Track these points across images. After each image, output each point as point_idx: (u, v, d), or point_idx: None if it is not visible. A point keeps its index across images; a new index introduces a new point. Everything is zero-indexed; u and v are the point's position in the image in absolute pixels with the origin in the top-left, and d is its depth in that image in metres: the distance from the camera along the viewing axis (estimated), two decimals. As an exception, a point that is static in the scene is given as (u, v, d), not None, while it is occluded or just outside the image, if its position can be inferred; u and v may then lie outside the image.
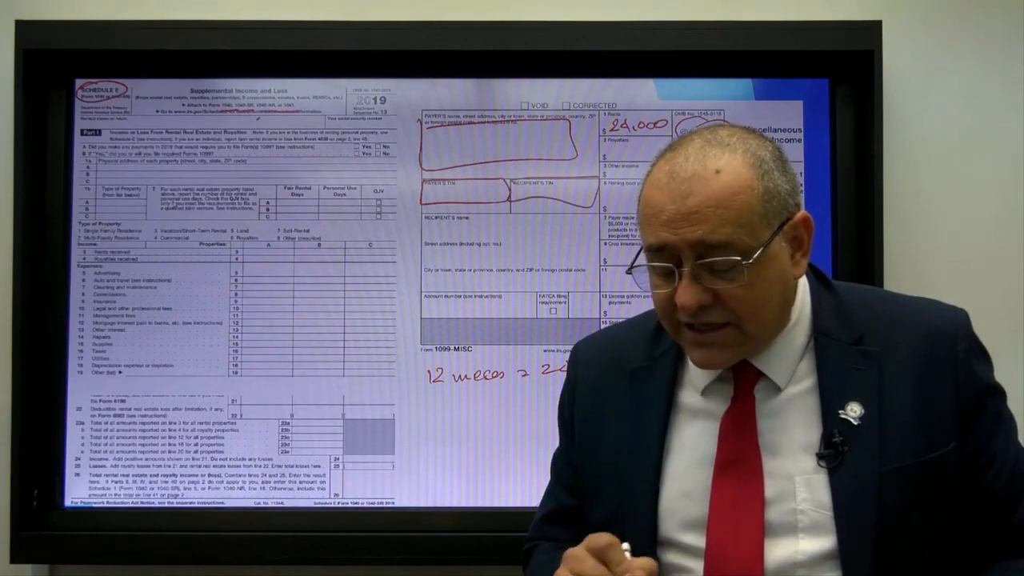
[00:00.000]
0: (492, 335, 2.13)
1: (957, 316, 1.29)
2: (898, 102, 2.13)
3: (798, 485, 1.21)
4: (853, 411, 1.21)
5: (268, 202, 2.16)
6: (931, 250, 2.15)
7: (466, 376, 2.13)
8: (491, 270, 2.15)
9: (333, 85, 2.17)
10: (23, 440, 2.06)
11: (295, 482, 2.12)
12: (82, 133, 2.17)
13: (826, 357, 1.24)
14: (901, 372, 1.22)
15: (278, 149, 2.16)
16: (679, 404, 1.29)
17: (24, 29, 2.10)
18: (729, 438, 1.24)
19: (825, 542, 1.19)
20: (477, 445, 2.11)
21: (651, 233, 1.18)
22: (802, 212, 1.22)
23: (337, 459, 2.12)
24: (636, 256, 1.24)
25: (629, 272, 1.25)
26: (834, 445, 1.20)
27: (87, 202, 2.16)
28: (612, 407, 1.33)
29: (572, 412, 1.40)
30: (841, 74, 2.14)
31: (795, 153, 2.15)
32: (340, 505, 2.12)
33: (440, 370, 2.13)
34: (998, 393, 1.28)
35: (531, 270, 2.15)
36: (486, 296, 2.15)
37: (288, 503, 2.12)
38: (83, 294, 2.14)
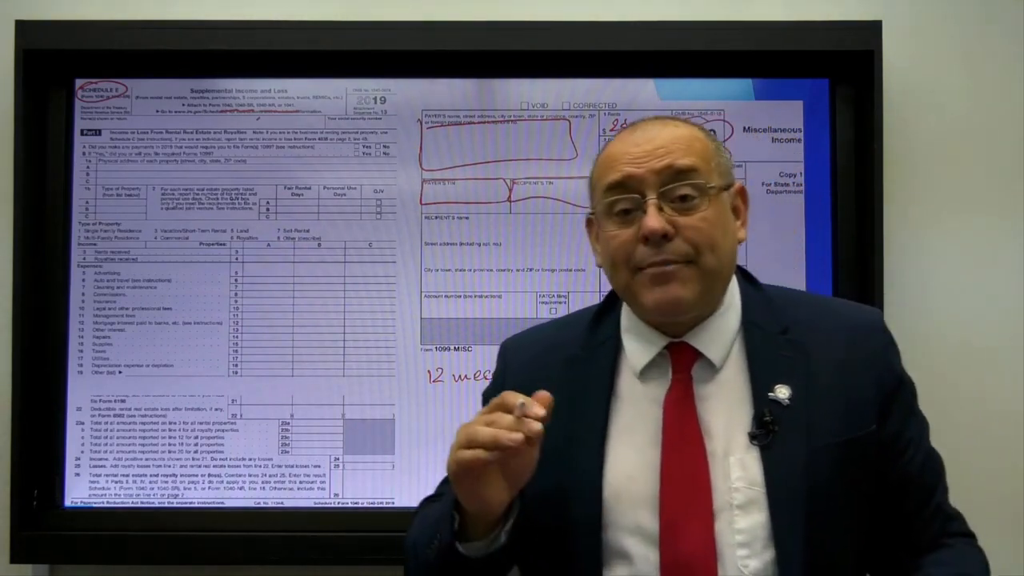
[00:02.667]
0: (492, 335, 2.13)
1: (875, 314, 1.39)
2: (898, 102, 2.13)
3: (732, 464, 1.26)
4: (782, 392, 1.27)
5: (268, 202, 2.16)
6: (931, 250, 2.15)
7: (466, 376, 2.13)
8: (491, 270, 2.15)
9: (333, 85, 2.17)
10: (23, 440, 2.06)
11: (295, 482, 2.12)
12: (82, 133, 2.17)
13: (755, 344, 1.31)
14: (825, 360, 1.29)
15: (278, 149, 2.16)
16: (618, 392, 1.34)
17: (24, 29, 2.10)
18: (673, 418, 1.29)
19: (759, 518, 1.24)
20: (477, 445, 2.11)
21: (614, 171, 1.27)
22: (740, 182, 1.35)
23: (337, 459, 2.12)
24: (592, 212, 1.33)
25: (591, 216, 1.33)
26: (765, 424, 1.26)
27: (87, 202, 2.16)
28: (546, 392, 1.34)
29: None
30: (841, 74, 2.14)
31: (795, 153, 2.15)
32: (340, 505, 2.12)
33: (440, 370, 2.13)
34: (910, 386, 1.35)
35: (531, 270, 2.15)
36: (486, 296, 2.15)
37: (288, 503, 2.12)
38: (83, 294, 2.15)
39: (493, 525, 1.23)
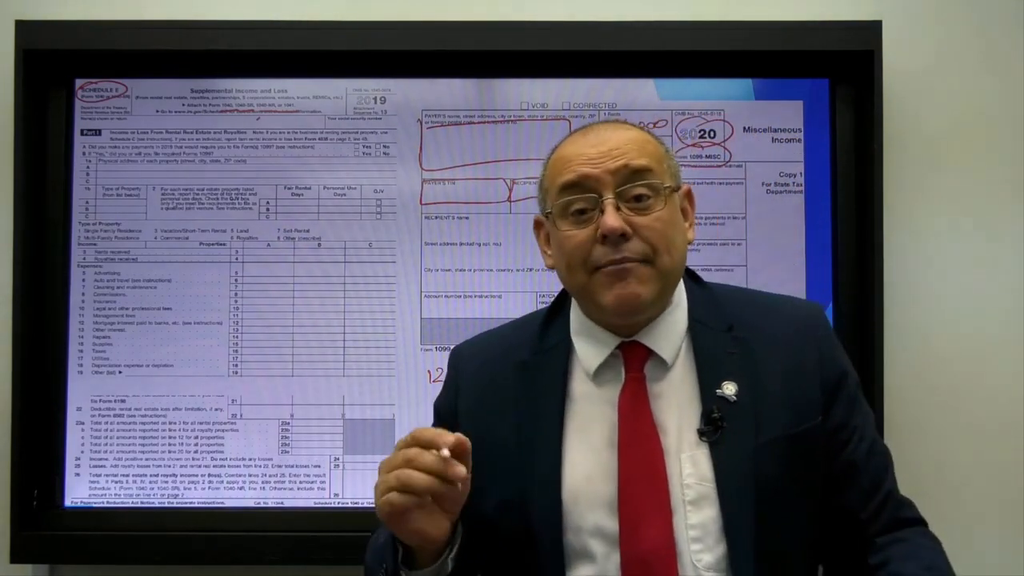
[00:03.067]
0: (492, 335, 2.13)
1: (816, 308, 1.41)
2: (898, 102, 2.13)
3: (683, 461, 1.28)
4: (729, 389, 1.29)
5: (268, 202, 2.16)
6: (931, 250, 2.15)
7: (466, 376, 2.13)
8: (491, 270, 2.15)
9: (333, 85, 2.17)
10: (23, 440, 2.06)
11: (295, 482, 2.12)
12: (82, 133, 2.17)
13: (702, 342, 1.33)
14: (770, 356, 1.32)
15: (278, 149, 2.16)
16: (571, 394, 1.35)
17: (24, 29, 2.10)
18: (628, 418, 1.30)
19: (710, 512, 1.26)
20: (477, 445, 2.11)
21: (569, 171, 1.29)
22: (688, 185, 1.37)
23: (337, 459, 2.12)
24: (547, 213, 1.34)
25: (546, 216, 1.34)
26: (713, 421, 1.28)
27: (87, 202, 2.16)
28: (500, 398, 1.36)
29: (455, 409, 1.41)
30: (841, 74, 2.14)
31: (795, 153, 2.15)
32: (340, 505, 2.12)
33: (440, 370, 2.13)
34: (854, 378, 1.37)
35: (531, 270, 2.15)
36: (486, 296, 2.15)
37: (288, 503, 2.12)
38: (83, 294, 2.15)
39: (439, 551, 1.23)
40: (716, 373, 1.30)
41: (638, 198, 1.27)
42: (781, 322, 1.35)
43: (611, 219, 1.25)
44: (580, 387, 1.35)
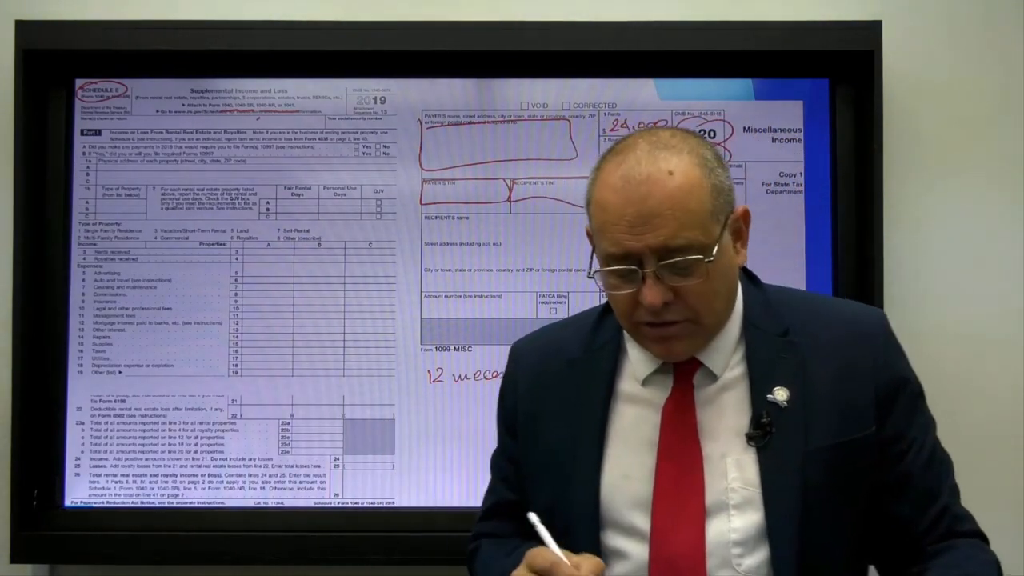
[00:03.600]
0: (492, 335, 2.13)
1: (876, 314, 1.38)
2: (898, 102, 2.13)
3: (729, 465, 1.27)
4: (780, 395, 1.28)
5: (268, 202, 2.16)
6: (931, 250, 2.15)
7: (466, 376, 2.13)
8: (491, 270, 2.15)
9: (333, 85, 2.17)
10: (23, 440, 2.06)
11: (295, 482, 2.12)
12: (82, 133, 2.17)
13: (755, 346, 1.32)
14: (824, 362, 1.29)
15: (278, 149, 2.16)
16: (618, 393, 1.35)
17: (24, 29, 2.10)
18: (671, 424, 1.30)
19: (754, 517, 1.25)
20: (477, 445, 2.11)
21: (613, 242, 1.24)
22: (742, 206, 1.30)
23: (337, 459, 2.12)
24: (592, 258, 1.30)
25: (591, 277, 1.30)
26: (762, 426, 1.27)
27: (87, 202, 2.16)
28: (552, 397, 1.38)
29: (515, 407, 1.43)
30: (841, 74, 2.14)
31: (795, 153, 2.15)
32: (340, 505, 2.12)
33: (440, 370, 2.13)
34: (914, 386, 1.34)
35: (531, 270, 2.15)
36: (486, 296, 2.15)
37: (288, 503, 2.12)
38: (83, 294, 2.14)
39: None
40: (768, 378, 1.29)
41: (681, 267, 1.22)
42: (837, 327, 1.32)
43: (650, 294, 1.22)
44: (627, 386, 1.35)
